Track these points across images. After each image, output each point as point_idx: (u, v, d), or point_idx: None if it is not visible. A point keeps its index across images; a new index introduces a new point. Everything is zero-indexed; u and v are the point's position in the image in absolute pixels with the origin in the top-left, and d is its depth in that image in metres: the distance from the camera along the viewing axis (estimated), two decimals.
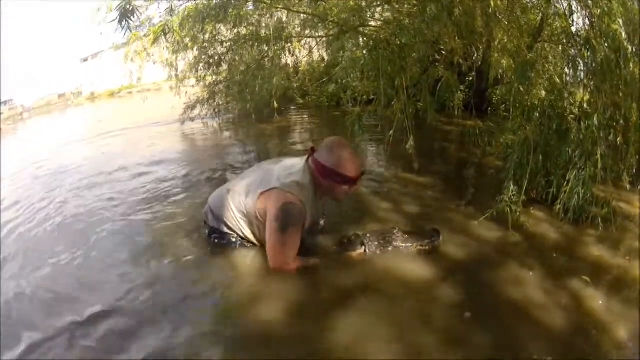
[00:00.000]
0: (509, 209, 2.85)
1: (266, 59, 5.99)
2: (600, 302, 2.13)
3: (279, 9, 5.91)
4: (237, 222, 2.49)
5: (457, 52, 4.21)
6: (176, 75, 6.61)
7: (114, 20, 2.93)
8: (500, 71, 4.14)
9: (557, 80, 3.73)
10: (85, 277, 2.53)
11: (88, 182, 4.41)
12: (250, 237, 2.50)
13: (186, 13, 5.63)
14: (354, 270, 2.40)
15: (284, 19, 6.43)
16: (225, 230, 2.55)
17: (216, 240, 2.60)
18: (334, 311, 2.09)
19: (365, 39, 3.98)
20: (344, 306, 2.12)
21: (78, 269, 2.63)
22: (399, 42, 3.64)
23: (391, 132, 3.51)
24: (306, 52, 6.86)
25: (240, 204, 2.44)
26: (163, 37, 5.31)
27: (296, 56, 6.90)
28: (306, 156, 2.46)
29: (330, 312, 2.09)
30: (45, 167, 5.38)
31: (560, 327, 1.98)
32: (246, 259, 2.51)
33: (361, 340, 1.92)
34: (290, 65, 7.25)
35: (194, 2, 5.52)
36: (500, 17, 3.93)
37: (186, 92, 6.58)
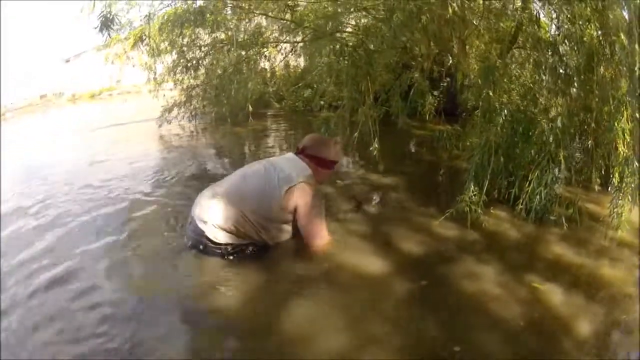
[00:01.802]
0: (468, 209, 2.92)
1: (242, 64, 6.02)
2: (560, 299, 2.16)
3: (256, 15, 5.96)
4: (252, 227, 2.51)
5: (426, 57, 4.30)
6: (154, 79, 6.62)
7: (95, 28, 2.91)
8: (470, 76, 4.20)
9: (530, 85, 3.80)
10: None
11: (60, 182, 4.37)
12: (267, 238, 2.57)
13: (165, 17, 5.71)
14: (311, 262, 2.48)
15: (264, 23, 6.47)
16: (237, 241, 2.52)
17: (231, 257, 2.52)
18: (289, 301, 2.15)
19: (334, 45, 4.03)
20: (299, 296, 2.19)
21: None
22: (365, 48, 3.70)
23: (355, 134, 3.57)
24: (282, 57, 6.92)
25: (257, 207, 2.50)
26: (140, 43, 5.36)
27: (272, 61, 6.93)
28: (294, 153, 2.81)
29: (286, 301, 2.15)
30: (23, 165, 5.35)
31: (515, 320, 2.00)
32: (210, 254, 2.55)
33: (315, 329, 1.97)
34: (268, 69, 7.27)
35: (173, 6, 5.59)
36: (474, 22, 4.04)
37: (164, 95, 6.58)
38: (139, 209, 3.44)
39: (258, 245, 2.57)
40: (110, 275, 2.43)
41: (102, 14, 2.78)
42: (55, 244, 2.88)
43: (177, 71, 6.34)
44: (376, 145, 3.64)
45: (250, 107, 6.00)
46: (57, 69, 8.40)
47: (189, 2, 5.50)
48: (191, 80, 6.53)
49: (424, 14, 3.49)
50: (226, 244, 2.50)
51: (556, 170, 2.91)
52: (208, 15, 5.36)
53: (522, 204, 2.97)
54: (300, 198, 2.52)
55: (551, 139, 2.94)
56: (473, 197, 2.97)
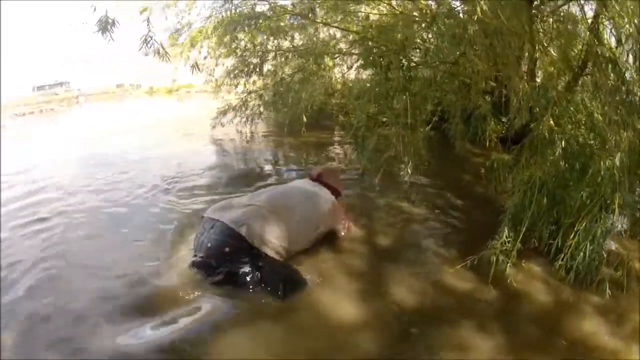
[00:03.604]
0: (495, 258, 2.40)
1: (301, 72, 5.81)
2: None
3: (319, 24, 5.75)
4: (286, 237, 2.50)
5: (482, 75, 3.77)
6: (215, 80, 6.65)
7: (97, 32, 2.79)
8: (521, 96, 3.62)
9: (599, 117, 3.19)
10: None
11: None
12: (292, 250, 2.58)
13: (224, 21, 5.66)
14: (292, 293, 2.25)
15: (338, 34, 6.23)
16: (267, 250, 2.43)
17: (260, 263, 2.38)
18: (238, 334, 1.96)
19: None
20: (252, 333, 1.98)
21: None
22: (404, 61, 3.29)
23: (384, 157, 3.20)
24: (346, 69, 6.59)
25: (299, 219, 2.61)
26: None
27: (333, 72, 6.62)
28: (311, 179, 3.12)
29: (237, 335, 1.96)
30: (81, 152, 5.64)
31: None
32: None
33: None
34: (334, 80, 6.96)
35: (232, 9, 5.53)
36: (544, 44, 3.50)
37: (222, 97, 6.57)
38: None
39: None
40: None
41: (100, 19, 2.63)
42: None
43: (234, 75, 6.25)
44: (409, 171, 3.27)
45: (304, 117, 5.72)
46: (136, 61, 8.78)
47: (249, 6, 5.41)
48: (247, 86, 6.41)
49: (471, 24, 3.04)
50: (257, 251, 2.39)
51: (608, 220, 2.33)
52: (261, 21, 5.19)
53: (562, 260, 2.39)
54: (339, 214, 2.92)
55: (606, 180, 2.36)
56: (507, 244, 2.46)
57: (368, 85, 3.86)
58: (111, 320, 2.05)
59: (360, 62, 4.78)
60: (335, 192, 3.04)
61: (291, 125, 6.22)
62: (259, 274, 2.32)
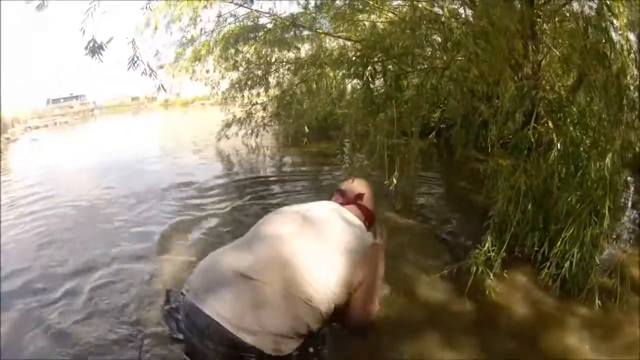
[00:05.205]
0: (474, 268, 2.26)
1: (305, 84, 5.79)
2: None
3: (322, 35, 5.73)
4: (312, 319, 1.66)
5: (480, 79, 3.65)
6: (223, 93, 6.72)
7: (86, 55, 2.78)
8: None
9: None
10: None
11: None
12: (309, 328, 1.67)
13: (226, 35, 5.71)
14: None
15: (348, 44, 6.20)
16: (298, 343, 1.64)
17: None
18: None
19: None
20: None
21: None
22: (390, 69, 3.22)
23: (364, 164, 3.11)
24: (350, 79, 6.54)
25: (322, 288, 1.68)
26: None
27: (338, 82, 6.55)
28: (344, 202, 2.19)
29: None
30: (87, 163, 5.79)
31: None
32: None
33: None
34: (339, 90, 6.90)
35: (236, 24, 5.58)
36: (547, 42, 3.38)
37: (228, 110, 6.63)
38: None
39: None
40: None
41: (90, 42, 2.62)
42: None
43: (239, 87, 6.31)
44: (394, 181, 3.16)
45: (306, 128, 5.68)
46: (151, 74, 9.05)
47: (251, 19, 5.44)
48: (251, 98, 6.45)
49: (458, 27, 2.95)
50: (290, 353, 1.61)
51: (597, 227, 2.17)
52: (261, 34, 5.21)
53: (548, 269, 2.23)
54: (370, 265, 1.87)
55: (594, 183, 2.21)
56: (490, 253, 2.31)
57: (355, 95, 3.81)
58: None
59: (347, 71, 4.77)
60: (370, 220, 2.21)
61: (296, 136, 6.21)
62: None
